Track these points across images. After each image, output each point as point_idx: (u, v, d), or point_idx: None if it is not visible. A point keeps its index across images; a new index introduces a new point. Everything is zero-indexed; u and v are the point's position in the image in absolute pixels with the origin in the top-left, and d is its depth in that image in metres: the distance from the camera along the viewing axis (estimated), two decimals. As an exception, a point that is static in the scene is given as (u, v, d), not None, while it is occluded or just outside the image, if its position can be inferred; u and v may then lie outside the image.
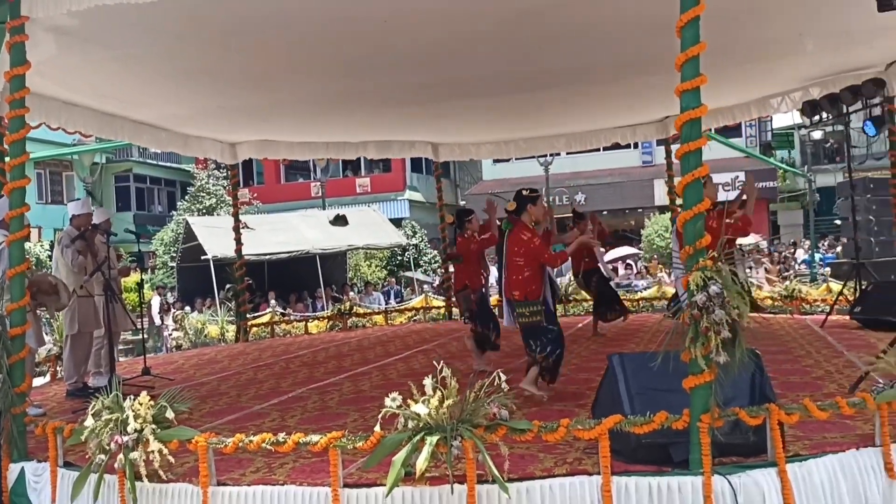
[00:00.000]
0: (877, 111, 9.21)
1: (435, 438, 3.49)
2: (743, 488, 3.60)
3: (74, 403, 6.62)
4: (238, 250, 11.94)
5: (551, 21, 6.39)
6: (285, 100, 9.03)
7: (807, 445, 4.09)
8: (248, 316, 12.26)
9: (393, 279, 20.76)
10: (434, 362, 3.72)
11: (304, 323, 13.31)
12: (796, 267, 18.39)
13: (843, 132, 9.72)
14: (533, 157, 23.07)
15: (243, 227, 17.10)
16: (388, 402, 3.66)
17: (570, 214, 10.32)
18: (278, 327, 13.15)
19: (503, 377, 3.72)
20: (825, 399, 4.19)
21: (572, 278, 10.79)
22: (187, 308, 15.36)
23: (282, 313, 14.85)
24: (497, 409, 3.66)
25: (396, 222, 24.96)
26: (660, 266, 19.94)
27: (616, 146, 24.92)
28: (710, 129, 22.41)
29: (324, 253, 17.60)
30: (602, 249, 10.92)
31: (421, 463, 3.42)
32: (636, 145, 27.10)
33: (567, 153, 28.55)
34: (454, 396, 3.60)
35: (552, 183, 27.03)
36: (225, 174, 23.57)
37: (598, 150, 28.07)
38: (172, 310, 15.56)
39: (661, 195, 26.99)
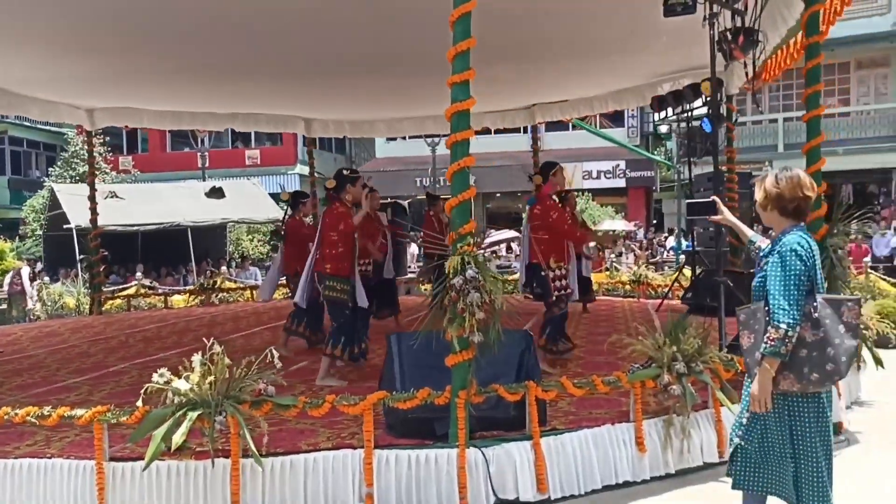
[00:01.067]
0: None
1: (195, 414, 3.55)
2: (496, 459, 3.83)
3: None
4: (94, 220, 11.53)
5: (403, 4, 6.37)
6: (138, 67, 8.75)
7: (573, 420, 4.38)
8: (102, 288, 11.90)
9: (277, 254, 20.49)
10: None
11: (165, 297, 13.02)
12: (665, 254, 19.20)
13: (686, 128, 10.21)
14: (421, 136, 23.30)
15: (111, 196, 16.65)
16: (155, 377, 3.69)
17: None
18: (145, 301, 12.83)
19: (276, 354, 3.81)
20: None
21: None
22: (47, 279, 14.77)
23: (148, 287, 14.47)
24: (264, 385, 3.76)
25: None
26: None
27: (507, 130, 25.56)
28: (591, 120, 23.30)
29: (197, 226, 17.19)
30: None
31: (178, 437, 3.49)
32: (525, 130, 27.57)
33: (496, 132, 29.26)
34: (222, 373, 3.67)
35: (441, 163, 27.23)
36: (102, 140, 22.65)
37: (490, 132, 28.88)
38: (37, 280, 14.94)
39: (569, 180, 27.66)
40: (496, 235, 21.05)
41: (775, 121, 23.78)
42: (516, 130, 27.40)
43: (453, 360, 3.79)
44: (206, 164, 25.21)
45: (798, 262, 2.82)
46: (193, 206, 17.57)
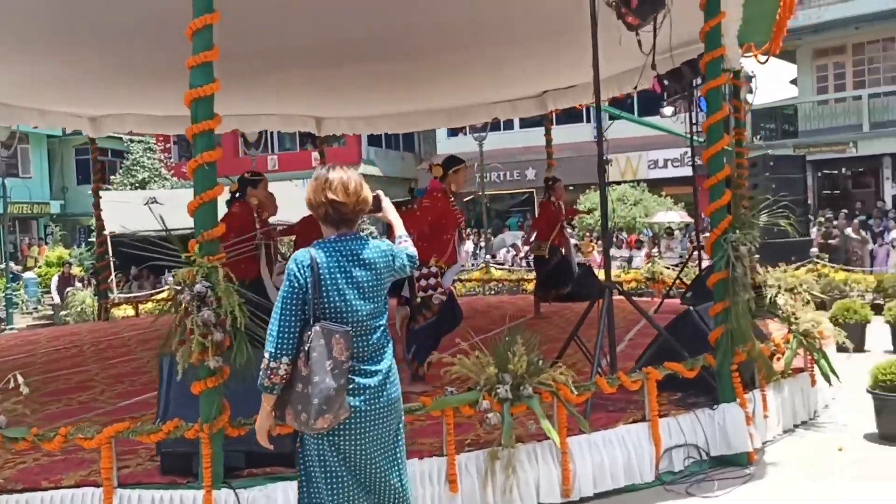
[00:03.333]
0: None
1: None
2: (252, 502, 3.30)
3: None
4: (100, 226, 11.65)
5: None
6: (135, 71, 8.42)
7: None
8: (109, 294, 11.99)
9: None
10: None
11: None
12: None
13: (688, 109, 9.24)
14: (461, 130, 22.69)
15: (151, 202, 16.94)
16: None
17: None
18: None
19: (20, 380, 3.42)
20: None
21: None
22: (79, 285, 15.16)
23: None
24: (-6, 415, 3.37)
25: None
26: (592, 244, 19.53)
27: (570, 119, 24.61)
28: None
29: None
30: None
31: None
32: (588, 119, 26.55)
33: (521, 126, 28.44)
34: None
35: (503, 157, 26.63)
36: (162, 147, 23.28)
37: (553, 123, 27.99)
38: (73, 286, 15.40)
39: (613, 170, 26.54)
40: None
41: (859, 97, 21.79)
42: (579, 120, 26.45)
43: (198, 387, 3.28)
44: (276, 167, 25.63)
45: (286, 284, 2.41)
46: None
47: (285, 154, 30.35)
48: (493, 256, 22.63)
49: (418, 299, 5.45)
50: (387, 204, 2.78)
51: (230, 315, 3.15)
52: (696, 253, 9.55)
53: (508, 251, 21.50)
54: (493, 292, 14.19)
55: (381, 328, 2.51)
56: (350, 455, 2.44)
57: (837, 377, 5.05)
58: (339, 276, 2.41)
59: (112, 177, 24.66)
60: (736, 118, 8.90)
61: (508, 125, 28.05)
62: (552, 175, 10.36)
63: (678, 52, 8.92)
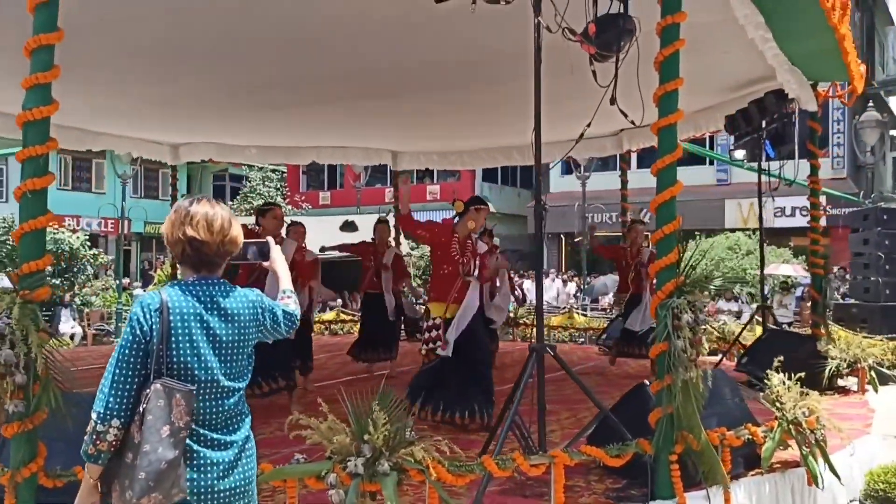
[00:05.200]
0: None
1: None
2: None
3: None
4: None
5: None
6: (220, 102, 8.55)
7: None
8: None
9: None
10: None
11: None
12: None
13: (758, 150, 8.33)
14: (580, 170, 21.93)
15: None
16: None
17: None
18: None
19: None
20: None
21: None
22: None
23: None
24: None
25: None
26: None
27: (691, 161, 23.41)
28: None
29: (327, 259, 17.46)
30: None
31: None
32: (711, 162, 25.17)
33: (638, 167, 27.30)
34: None
35: (610, 198, 25.57)
36: (279, 176, 24.09)
37: (627, 164, 26.70)
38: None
39: (732, 217, 24.99)
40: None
41: None
42: (701, 162, 25.04)
43: (8, 431, 3.04)
44: (392, 199, 25.92)
45: (128, 329, 2.04)
46: (329, 240, 17.89)
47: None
48: (595, 301, 21.71)
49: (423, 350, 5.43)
50: (276, 254, 2.43)
51: (32, 356, 2.89)
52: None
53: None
54: (580, 340, 13.47)
55: (239, 393, 2.16)
56: None
57: (838, 477, 4.16)
58: (193, 325, 2.06)
59: (231, 202, 25.83)
60: (812, 165, 7.94)
61: (617, 165, 27.11)
62: (635, 217, 9.94)
63: (745, 93, 8.19)
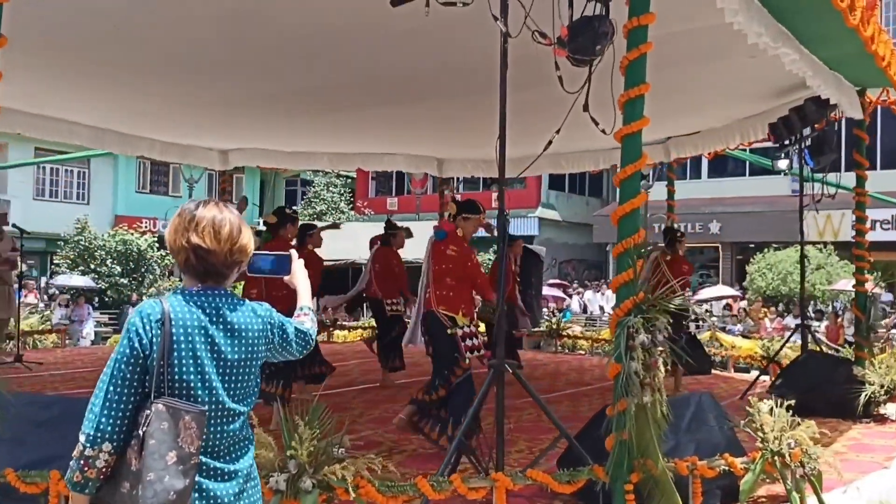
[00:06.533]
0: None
1: None
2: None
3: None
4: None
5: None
6: (271, 109, 8.62)
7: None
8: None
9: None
10: None
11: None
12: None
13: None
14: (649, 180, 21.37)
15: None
16: None
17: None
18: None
19: None
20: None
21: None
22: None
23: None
24: None
25: (527, 240, 24.28)
26: (764, 309, 17.53)
27: (765, 171, 22.55)
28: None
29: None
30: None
31: None
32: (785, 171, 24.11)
33: (709, 176, 26.41)
34: None
35: (685, 209, 24.85)
36: (343, 182, 24.36)
37: (744, 174, 25.73)
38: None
39: (808, 229, 23.81)
40: (706, 292, 18.46)
41: None
42: (771, 171, 24.01)
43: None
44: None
45: (125, 342, 1.82)
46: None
47: (468, 194, 30.63)
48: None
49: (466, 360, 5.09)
50: (298, 267, 2.22)
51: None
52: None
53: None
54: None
55: (243, 416, 1.95)
56: None
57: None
58: (197, 339, 1.85)
59: (294, 207, 26.30)
60: (858, 176, 7.47)
61: (695, 174, 26.28)
62: (672, 226, 9.63)
63: (787, 100, 7.75)
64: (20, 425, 3.26)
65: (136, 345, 1.81)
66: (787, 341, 8.35)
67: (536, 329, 12.47)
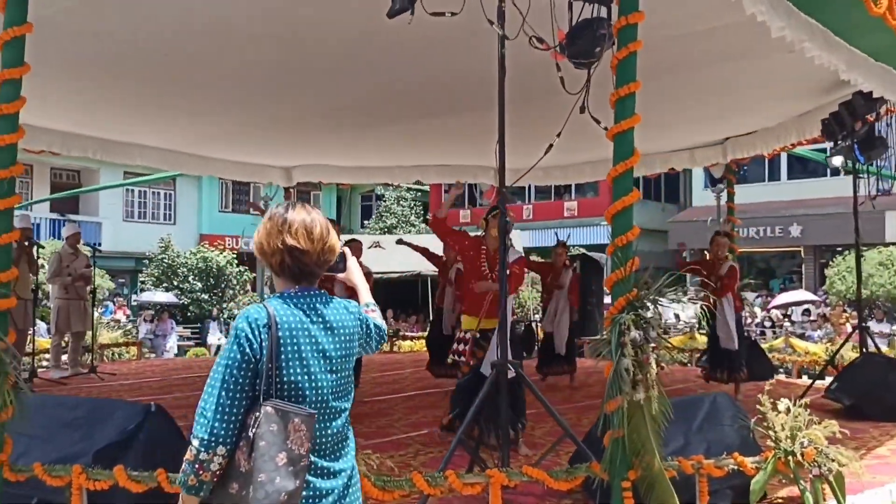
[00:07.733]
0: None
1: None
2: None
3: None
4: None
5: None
6: (329, 128, 9.05)
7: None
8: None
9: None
10: None
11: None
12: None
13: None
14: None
15: (374, 246, 18.15)
16: None
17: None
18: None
19: None
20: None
21: None
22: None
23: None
24: None
25: (600, 249, 24.05)
26: (845, 314, 16.83)
27: (848, 172, 21.68)
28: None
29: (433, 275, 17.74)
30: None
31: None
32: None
33: (789, 177, 25.47)
34: None
35: (764, 212, 24.13)
36: (413, 195, 24.66)
37: (826, 175, 24.68)
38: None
39: (894, 230, 22.78)
40: (783, 297, 17.81)
41: None
42: (860, 173, 23.00)
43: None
44: (531, 217, 26.14)
45: (235, 347, 1.87)
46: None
47: (540, 203, 30.54)
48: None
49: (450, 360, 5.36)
50: (352, 263, 2.23)
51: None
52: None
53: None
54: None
55: (345, 413, 1.99)
56: None
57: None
58: (302, 340, 1.90)
59: (365, 221, 26.74)
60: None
61: (774, 176, 25.46)
62: (721, 228, 9.40)
63: (838, 95, 7.49)
64: (50, 425, 3.53)
65: (247, 350, 1.85)
66: (843, 345, 8.03)
67: (597, 337, 12.34)
